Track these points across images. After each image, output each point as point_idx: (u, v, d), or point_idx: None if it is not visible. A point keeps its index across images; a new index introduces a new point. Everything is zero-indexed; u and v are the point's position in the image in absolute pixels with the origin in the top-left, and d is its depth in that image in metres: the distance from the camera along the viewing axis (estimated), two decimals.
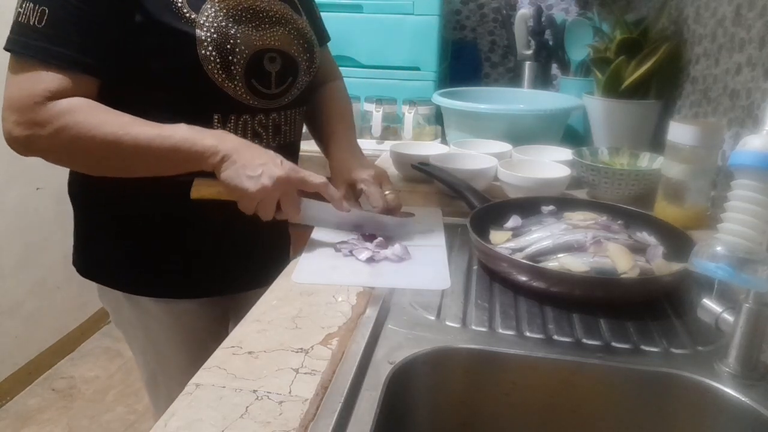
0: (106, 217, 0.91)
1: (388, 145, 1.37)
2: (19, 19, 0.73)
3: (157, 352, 0.98)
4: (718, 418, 0.58)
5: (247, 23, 0.83)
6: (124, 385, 2.14)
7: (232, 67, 0.81)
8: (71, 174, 0.93)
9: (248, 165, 0.77)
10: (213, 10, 0.81)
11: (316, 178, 0.82)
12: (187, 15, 0.79)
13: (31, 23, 0.72)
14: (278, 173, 0.77)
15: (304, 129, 1.03)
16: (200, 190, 0.81)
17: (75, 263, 0.97)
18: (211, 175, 0.79)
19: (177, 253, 0.90)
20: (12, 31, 0.75)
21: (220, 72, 0.81)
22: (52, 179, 2.13)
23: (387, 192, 0.91)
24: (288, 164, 0.79)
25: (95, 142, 0.74)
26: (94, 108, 0.76)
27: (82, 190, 0.92)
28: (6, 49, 0.75)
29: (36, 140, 0.74)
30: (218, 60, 0.80)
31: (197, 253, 0.91)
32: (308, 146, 1.06)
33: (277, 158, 0.79)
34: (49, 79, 0.73)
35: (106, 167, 0.80)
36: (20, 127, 0.74)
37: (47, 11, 0.72)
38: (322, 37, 1.08)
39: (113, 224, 0.90)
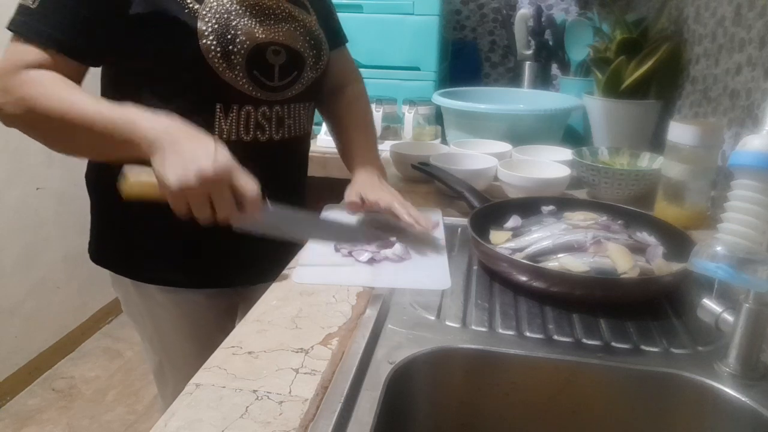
0: (115, 205, 0.90)
1: (388, 145, 1.37)
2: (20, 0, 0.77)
3: (163, 342, 0.99)
4: (718, 418, 0.57)
5: (251, 17, 0.84)
6: (124, 385, 2.14)
7: (233, 57, 0.82)
8: (88, 161, 0.95)
9: (178, 154, 0.67)
10: (217, 1, 0.81)
11: (249, 189, 0.70)
12: (191, 5, 0.80)
13: (26, 3, 0.76)
14: (204, 168, 0.66)
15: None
16: (132, 186, 0.69)
17: (89, 250, 0.98)
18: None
19: (183, 243, 0.90)
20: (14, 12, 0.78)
21: (221, 61, 0.81)
22: (52, 179, 2.13)
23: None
24: (223, 159, 0.68)
25: (45, 114, 0.74)
26: (58, 82, 0.75)
27: (96, 176, 0.94)
28: (7, 28, 0.78)
29: (3, 108, 0.75)
30: (218, 49, 0.80)
31: (203, 243, 0.90)
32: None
33: (211, 147, 0.68)
34: (28, 53, 0.75)
35: (57, 142, 0.79)
36: None
37: None
38: (339, 37, 1.08)
39: (122, 212, 0.90)
